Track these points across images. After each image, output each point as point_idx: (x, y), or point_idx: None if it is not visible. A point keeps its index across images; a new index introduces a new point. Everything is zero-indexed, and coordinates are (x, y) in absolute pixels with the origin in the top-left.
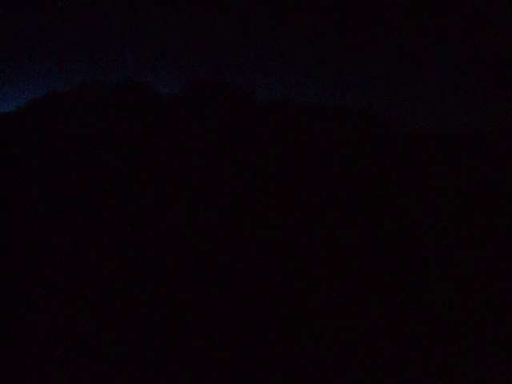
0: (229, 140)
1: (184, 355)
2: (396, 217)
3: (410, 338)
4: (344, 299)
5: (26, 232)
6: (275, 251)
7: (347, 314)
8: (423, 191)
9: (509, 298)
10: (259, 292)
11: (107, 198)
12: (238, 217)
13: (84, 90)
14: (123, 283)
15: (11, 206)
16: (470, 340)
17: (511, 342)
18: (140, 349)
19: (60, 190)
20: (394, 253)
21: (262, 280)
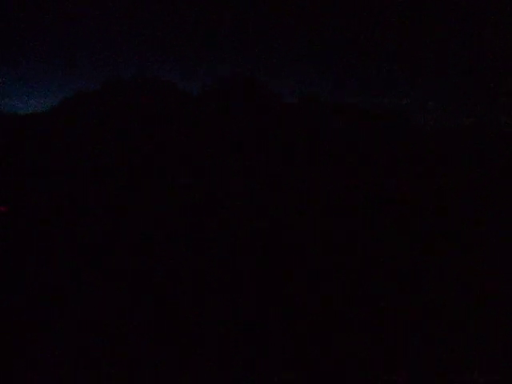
0: (251, 136)
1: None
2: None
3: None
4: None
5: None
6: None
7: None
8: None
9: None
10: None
11: (133, 191)
12: (267, 212)
13: (109, 90)
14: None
15: (46, 199)
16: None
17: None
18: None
19: (92, 184)
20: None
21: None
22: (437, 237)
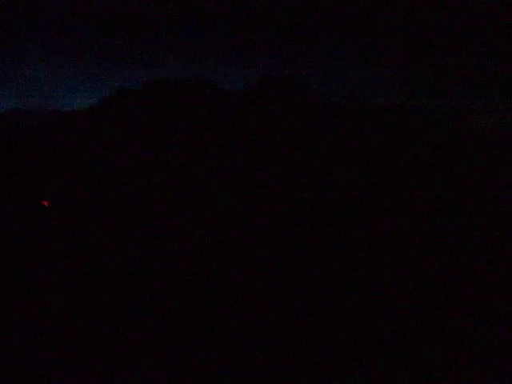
0: (292, 135)
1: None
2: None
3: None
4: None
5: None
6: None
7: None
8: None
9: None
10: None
11: (175, 187)
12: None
13: (153, 88)
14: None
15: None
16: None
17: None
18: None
19: (134, 179)
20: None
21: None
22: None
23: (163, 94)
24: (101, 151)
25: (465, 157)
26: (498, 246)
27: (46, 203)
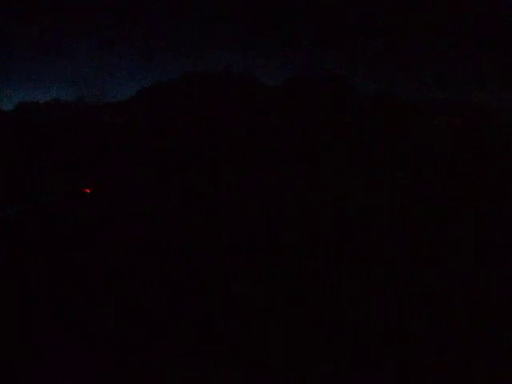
0: (328, 131)
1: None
2: None
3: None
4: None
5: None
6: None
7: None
8: None
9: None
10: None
11: (212, 179)
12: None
13: (187, 81)
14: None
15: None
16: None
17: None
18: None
19: (169, 171)
20: None
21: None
22: None
23: (197, 87)
24: (133, 142)
25: None
26: None
27: (88, 190)
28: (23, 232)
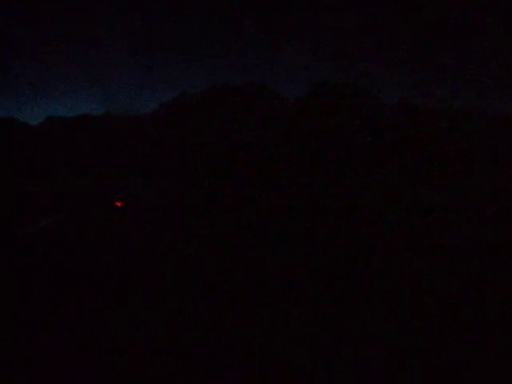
0: (348, 136)
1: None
2: None
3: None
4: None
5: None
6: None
7: None
8: None
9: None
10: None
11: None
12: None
13: (213, 92)
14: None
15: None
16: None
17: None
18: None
19: (197, 184)
20: None
21: None
22: None
23: (223, 99)
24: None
25: None
26: None
27: (119, 204)
28: (61, 238)
